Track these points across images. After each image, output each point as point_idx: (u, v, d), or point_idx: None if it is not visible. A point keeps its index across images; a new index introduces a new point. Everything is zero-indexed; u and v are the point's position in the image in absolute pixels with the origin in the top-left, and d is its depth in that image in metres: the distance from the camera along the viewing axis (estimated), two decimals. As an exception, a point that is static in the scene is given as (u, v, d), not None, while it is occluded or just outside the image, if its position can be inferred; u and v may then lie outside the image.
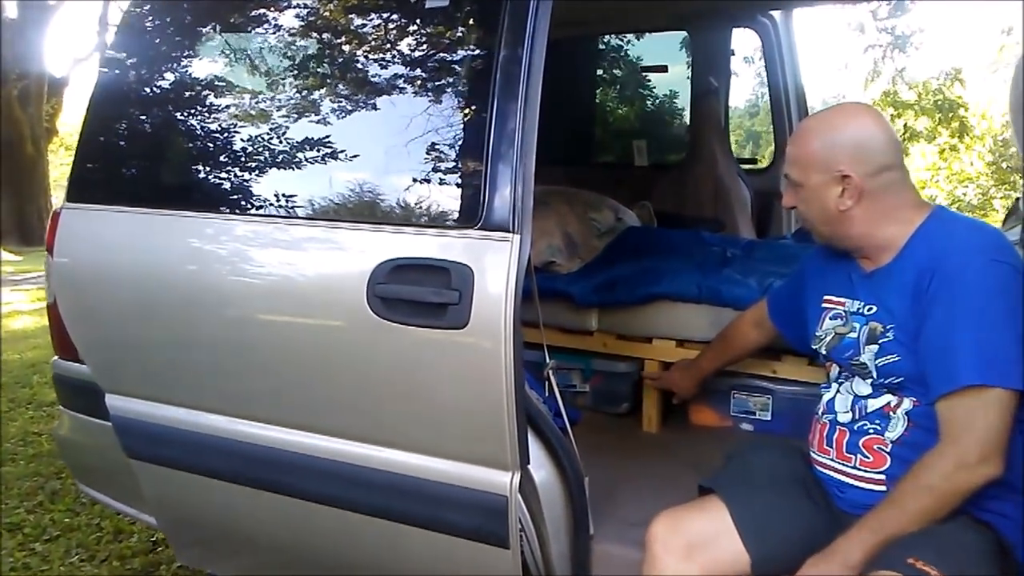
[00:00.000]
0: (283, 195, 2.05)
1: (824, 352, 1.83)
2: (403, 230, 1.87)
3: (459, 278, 1.76)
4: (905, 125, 14.19)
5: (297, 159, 2.03)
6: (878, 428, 1.69)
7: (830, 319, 1.82)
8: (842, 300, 1.80)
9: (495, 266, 1.74)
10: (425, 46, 1.96)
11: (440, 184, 1.86)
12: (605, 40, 4.36)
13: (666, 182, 3.96)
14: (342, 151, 1.98)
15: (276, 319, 2.01)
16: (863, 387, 1.73)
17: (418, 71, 1.94)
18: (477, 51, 1.88)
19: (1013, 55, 12.49)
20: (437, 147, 1.86)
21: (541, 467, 1.98)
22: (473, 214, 1.78)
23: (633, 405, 2.94)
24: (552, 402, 2.73)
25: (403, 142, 1.89)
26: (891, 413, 1.68)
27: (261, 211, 2.07)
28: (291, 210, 2.03)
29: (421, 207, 1.88)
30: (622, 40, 4.36)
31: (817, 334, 1.85)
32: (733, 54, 3.89)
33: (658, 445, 2.77)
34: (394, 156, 1.92)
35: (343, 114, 2.00)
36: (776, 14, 3.80)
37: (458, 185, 1.85)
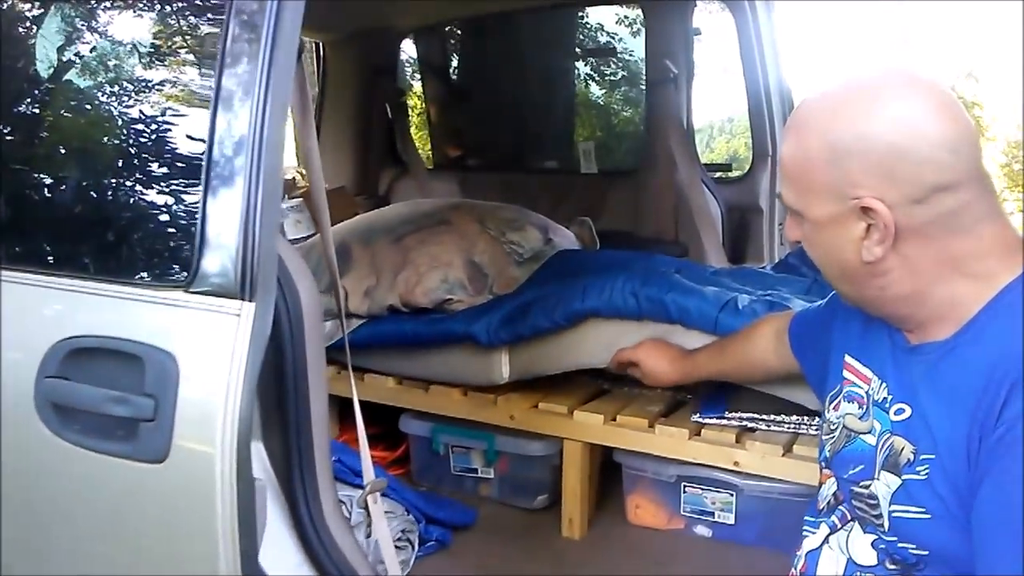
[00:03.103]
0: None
1: (826, 452, 1.18)
2: (85, 288, 1.12)
3: (156, 375, 1.03)
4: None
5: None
6: None
7: (846, 400, 1.15)
8: (867, 374, 1.12)
9: (214, 355, 1.01)
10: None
11: (136, 218, 1.12)
12: (550, 17, 3.61)
13: (618, 193, 3.22)
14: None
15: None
16: (863, 549, 1.09)
17: (111, 60, 1.21)
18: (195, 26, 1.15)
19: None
20: (135, 164, 1.13)
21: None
22: (182, 268, 1.04)
23: (553, 498, 2.19)
24: (418, 501, 1.99)
25: (90, 156, 1.17)
26: None
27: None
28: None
29: (108, 252, 1.13)
30: (572, 16, 3.61)
31: (828, 416, 1.20)
32: (698, 33, 3.15)
33: (579, 561, 2.03)
34: (74, 174, 1.19)
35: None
36: (753, -15, 3.07)
37: (163, 221, 1.10)
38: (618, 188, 3.31)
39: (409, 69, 3.70)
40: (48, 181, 1.20)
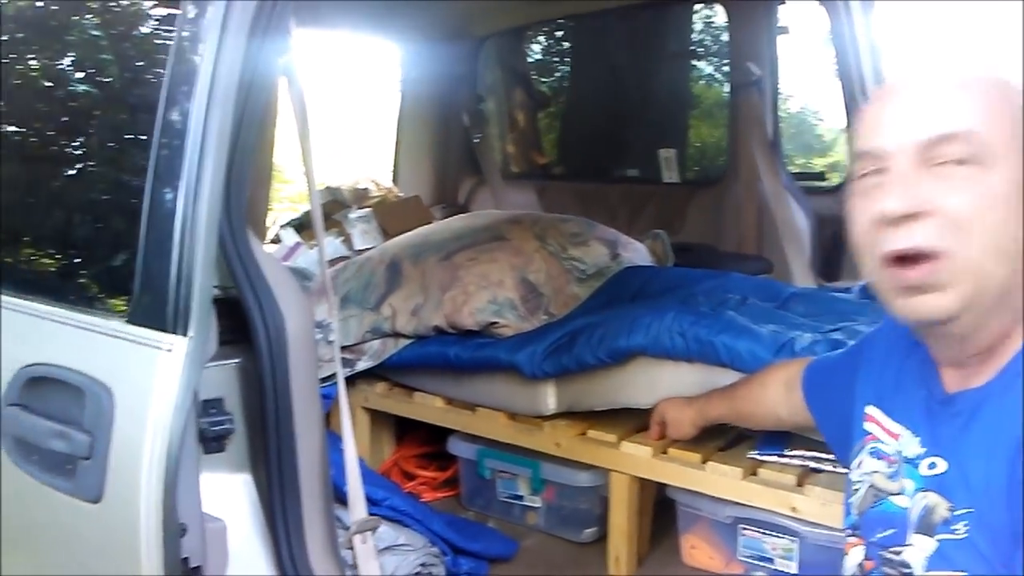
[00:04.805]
0: None
1: (853, 515, 1.06)
2: (48, 314, 1.09)
3: (93, 410, 0.97)
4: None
5: None
6: None
7: (870, 454, 1.05)
8: (897, 430, 1.01)
9: (150, 392, 0.93)
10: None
11: (84, 241, 1.07)
12: (631, 19, 3.42)
13: (701, 204, 3.02)
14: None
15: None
16: None
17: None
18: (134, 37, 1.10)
19: None
20: (90, 190, 1.08)
21: None
22: (127, 298, 0.98)
23: (603, 531, 2.05)
24: (447, 532, 1.88)
25: (47, 185, 1.13)
26: None
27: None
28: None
29: (66, 277, 1.10)
30: (655, 18, 3.41)
31: (851, 476, 1.08)
32: (785, 32, 2.91)
33: (623, 603, 1.88)
34: (36, 201, 1.15)
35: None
36: (850, -20, 2.82)
37: (114, 250, 1.05)
38: (700, 198, 3.11)
39: (489, 75, 3.61)
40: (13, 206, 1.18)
